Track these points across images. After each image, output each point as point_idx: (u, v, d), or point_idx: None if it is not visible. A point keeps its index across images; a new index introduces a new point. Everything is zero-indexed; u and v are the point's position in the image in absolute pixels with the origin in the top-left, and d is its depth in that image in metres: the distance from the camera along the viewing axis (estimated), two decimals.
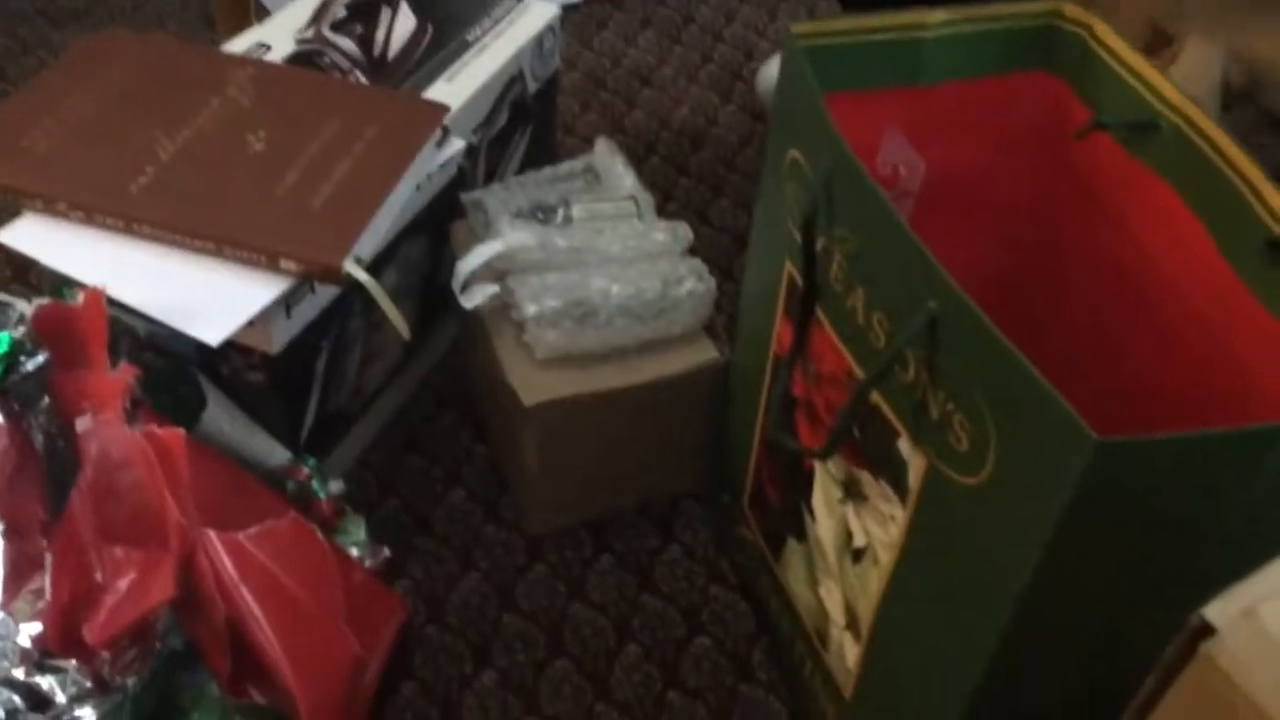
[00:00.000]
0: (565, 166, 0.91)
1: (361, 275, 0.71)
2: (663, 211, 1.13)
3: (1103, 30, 0.68)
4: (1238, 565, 0.37)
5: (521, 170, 0.98)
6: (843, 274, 0.60)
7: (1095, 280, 0.71)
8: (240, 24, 1.05)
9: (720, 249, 1.11)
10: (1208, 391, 0.62)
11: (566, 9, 1.33)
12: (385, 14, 0.96)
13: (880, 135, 0.72)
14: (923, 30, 0.68)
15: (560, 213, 0.84)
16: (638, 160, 1.19)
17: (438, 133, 0.82)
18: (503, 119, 0.95)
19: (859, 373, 0.61)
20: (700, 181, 1.18)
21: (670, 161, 1.20)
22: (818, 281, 0.63)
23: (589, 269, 0.80)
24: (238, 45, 0.90)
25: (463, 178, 0.91)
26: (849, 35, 0.67)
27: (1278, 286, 0.57)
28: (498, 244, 0.80)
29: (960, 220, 0.74)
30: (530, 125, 1.01)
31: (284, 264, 0.71)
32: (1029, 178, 0.75)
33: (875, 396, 0.58)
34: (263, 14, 1.01)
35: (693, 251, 0.84)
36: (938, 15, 0.68)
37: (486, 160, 0.96)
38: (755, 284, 0.74)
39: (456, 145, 0.84)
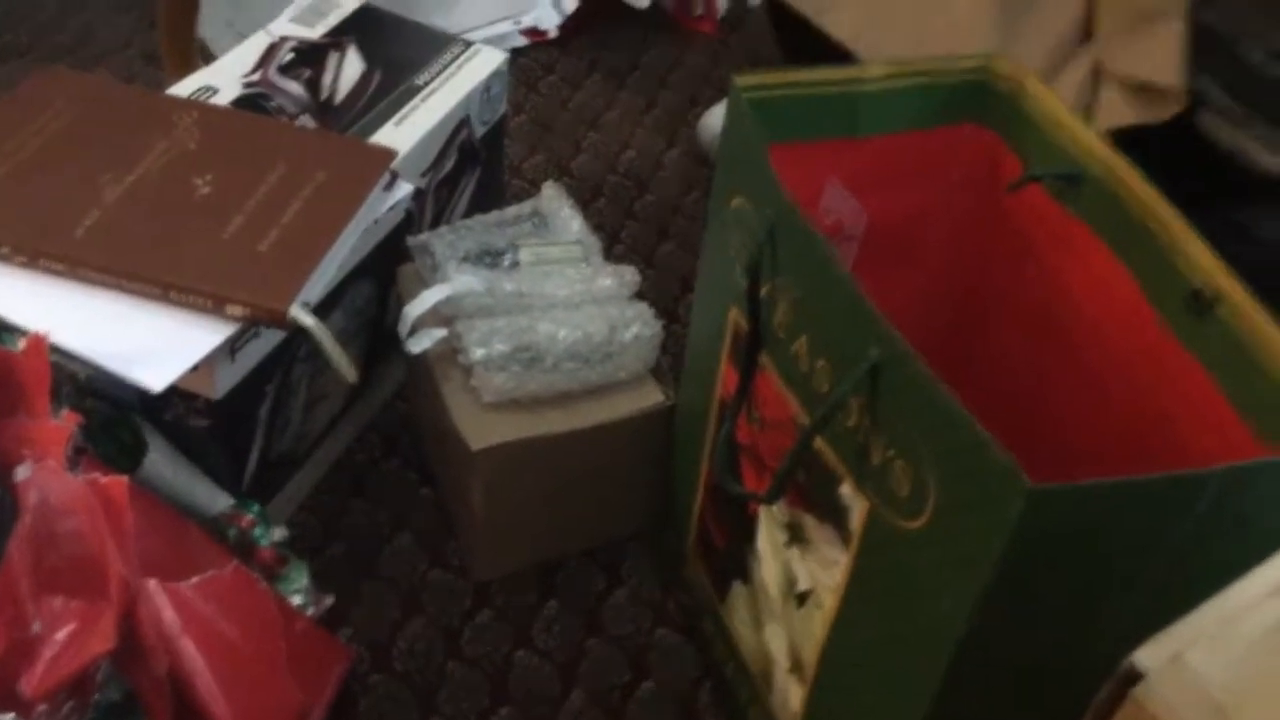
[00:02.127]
0: (512, 210, 0.91)
1: (308, 320, 0.71)
2: (609, 254, 1.14)
3: (1033, 84, 0.70)
4: (1169, 609, 0.39)
5: (469, 214, 0.98)
6: (787, 320, 0.61)
7: (1028, 327, 0.73)
8: (186, 67, 1.05)
9: (666, 292, 1.12)
10: (1137, 437, 0.64)
11: (513, 53, 1.35)
12: (333, 58, 0.96)
13: (822, 184, 0.74)
14: (862, 84, 0.70)
15: (507, 257, 0.85)
16: (584, 203, 1.20)
17: (386, 177, 0.82)
18: (450, 163, 0.96)
19: (803, 418, 0.62)
20: (646, 225, 1.19)
21: (617, 205, 1.21)
22: (762, 327, 0.64)
23: (536, 313, 0.81)
24: (184, 89, 0.90)
25: (410, 221, 0.91)
26: (791, 87, 0.69)
27: (1203, 335, 0.59)
28: (445, 288, 0.80)
29: (899, 267, 0.75)
30: (477, 169, 1.01)
31: (229, 309, 0.70)
32: (965, 227, 0.77)
33: (818, 442, 0.59)
34: (209, 57, 1.01)
35: (639, 295, 0.85)
36: (877, 69, 0.70)
37: (434, 204, 0.96)
38: (701, 329, 0.75)
39: (404, 189, 0.84)
